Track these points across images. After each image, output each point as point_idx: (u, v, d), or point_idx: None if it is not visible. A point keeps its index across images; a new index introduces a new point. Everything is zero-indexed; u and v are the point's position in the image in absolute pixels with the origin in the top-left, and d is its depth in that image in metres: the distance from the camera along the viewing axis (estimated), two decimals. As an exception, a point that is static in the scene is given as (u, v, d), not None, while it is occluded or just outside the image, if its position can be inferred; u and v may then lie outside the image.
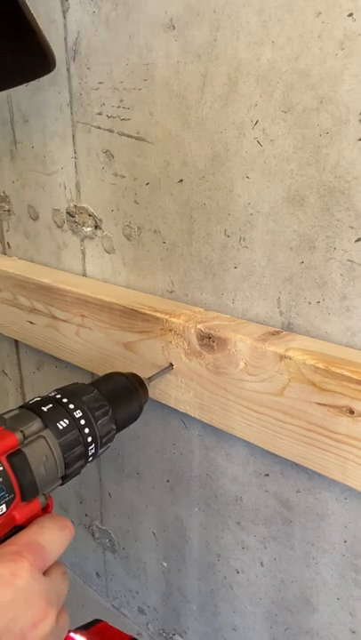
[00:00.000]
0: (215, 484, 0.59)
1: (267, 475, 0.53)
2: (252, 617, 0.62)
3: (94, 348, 0.61)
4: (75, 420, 0.37)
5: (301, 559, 0.53)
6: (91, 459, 0.39)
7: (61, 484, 0.37)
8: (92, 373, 0.70)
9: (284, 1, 0.40)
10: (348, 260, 0.42)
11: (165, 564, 0.72)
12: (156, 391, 0.55)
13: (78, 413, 0.38)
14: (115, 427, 0.41)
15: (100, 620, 0.50)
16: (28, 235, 0.76)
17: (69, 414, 0.37)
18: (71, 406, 0.38)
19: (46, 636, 0.30)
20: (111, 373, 0.46)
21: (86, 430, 0.38)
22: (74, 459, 0.36)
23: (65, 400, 0.38)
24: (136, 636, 0.50)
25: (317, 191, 0.43)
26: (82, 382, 0.42)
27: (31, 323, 0.70)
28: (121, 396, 0.43)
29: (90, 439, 0.38)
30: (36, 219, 0.73)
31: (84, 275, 0.68)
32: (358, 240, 0.41)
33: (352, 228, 0.41)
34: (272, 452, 0.47)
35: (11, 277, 0.70)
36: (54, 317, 0.65)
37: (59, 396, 0.38)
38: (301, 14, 0.39)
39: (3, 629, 0.28)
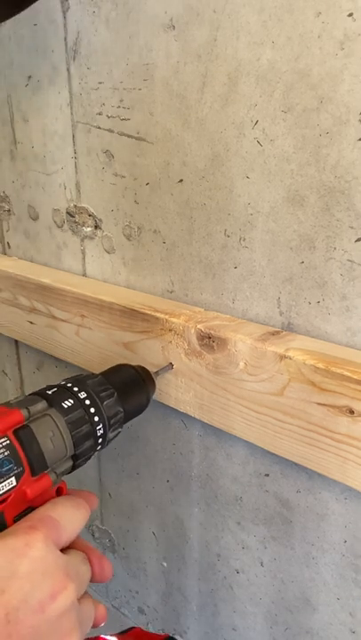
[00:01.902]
0: (215, 484, 0.59)
1: (267, 475, 0.53)
2: (252, 617, 0.62)
3: (94, 347, 0.61)
4: (79, 401, 0.39)
5: (301, 559, 0.53)
6: (100, 440, 0.40)
7: (73, 469, 0.38)
8: (92, 373, 0.70)
9: (285, 1, 0.40)
10: (349, 260, 0.42)
11: (165, 564, 0.72)
12: (155, 391, 0.55)
13: (83, 395, 0.39)
14: (122, 410, 0.42)
15: (135, 627, 0.51)
16: (28, 235, 0.76)
17: (74, 395, 0.39)
18: (75, 389, 0.39)
19: (67, 609, 0.30)
20: (120, 365, 0.48)
21: (92, 410, 0.39)
22: (82, 437, 0.38)
23: (69, 385, 0.40)
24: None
25: (317, 191, 0.43)
26: (89, 372, 0.44)
27: (31, 323, 0.70)
28: (128, 385, 0.45)
29: (97, 418, 0.39)
30: (36, 219, 0.73)
31: (84, 275, 0.68)
32: (358, 240, 0.41)
33: (352, 227, 0.41)
34: (272, 452, 0.47)
35: (11, 277, 0.70)
36: (54, 317, 0.65)
37: (63, 383, 0.40)
38: (301, 14, 0.39)
39: (21, 602, 0.28)
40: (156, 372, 0.50)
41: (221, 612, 0.66)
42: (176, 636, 0.56)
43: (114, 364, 0.48)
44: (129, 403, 0.44)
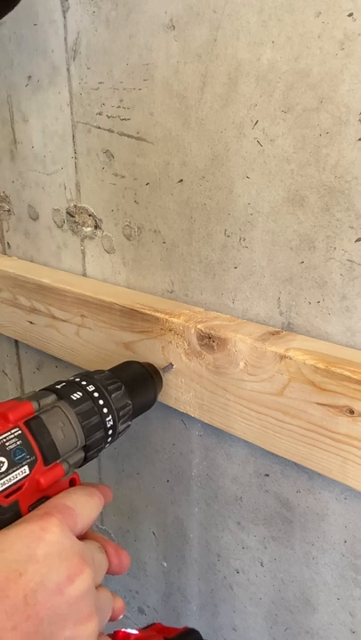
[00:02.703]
0: (215, 484, 0.59)
1: (267, 475, 0.53)
2: (253, 617, 0.62)
3: (94, 348, 0.61)
4: (88, 393, 0.40)
5: (301, 559, 0.54)
6: (111, 432, 0.41)
7: (85, 460, 0.39)
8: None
9: (285, 1, 0.40)
10: (348, 260, 0.42)
11: (165, 564, 0.72)
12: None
13: (91, 388, 0.40)
14: (130, 402, 0.43)
15: (156, 622, 0.52)
16: (28, 235, 0.76)
17: (82, 388, 0.40)
18: (84, 383, 0.41)
19: (85, 592, 0.30)
20: (127, 361, 0.49)
21: (101, 402, 0.40)
22: (92, 427, 0.39)
23: (78, 379, 0.41)
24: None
25: (317, 191, 0.43)
26: (97, 369, 0.45)
27: (31, 323, 0.70)
28: (136, 380, 0.46)
29: (105, 410, 0.40)
30: (36, 219, 0.73)
31: (84, 275, 0.68)
32: (358, 240, 0.41)
33: (352, 227, 0.41)
34: (272, 452, 0.47)
35: (11, 277, 0.70)
36: (54, 317, 0.65)
37: (72, 378, 0.41)
38: (301, 14, 0.39)
39: (38, 584, 0.28)
40: (164, 370, 0.51)
41: (221, 612, 0.66)
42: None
43: (120, 362, 0.49)
44: (137, 397, 0.45)
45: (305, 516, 0.51)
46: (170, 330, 0.51)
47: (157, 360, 0.54)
